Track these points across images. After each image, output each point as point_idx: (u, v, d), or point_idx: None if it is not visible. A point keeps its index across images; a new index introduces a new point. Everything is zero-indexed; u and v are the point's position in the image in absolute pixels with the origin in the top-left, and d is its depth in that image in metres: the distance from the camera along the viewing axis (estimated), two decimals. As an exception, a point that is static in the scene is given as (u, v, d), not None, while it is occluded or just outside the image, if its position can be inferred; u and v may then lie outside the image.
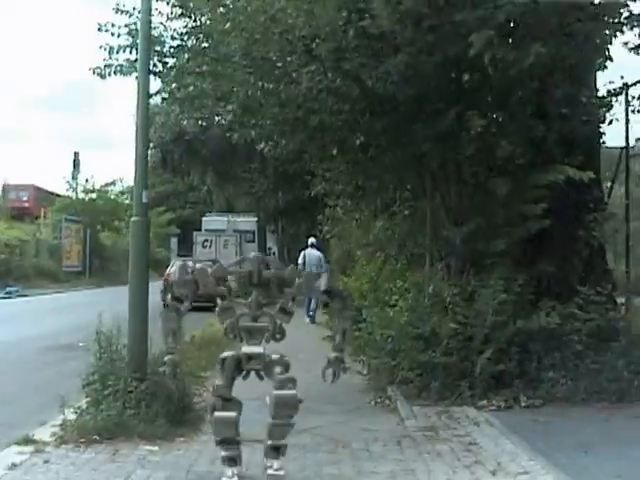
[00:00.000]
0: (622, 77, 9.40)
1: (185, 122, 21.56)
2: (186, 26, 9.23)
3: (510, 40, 6.94)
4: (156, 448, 6.35)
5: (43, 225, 42.73)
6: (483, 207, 8.17)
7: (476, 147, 7.79)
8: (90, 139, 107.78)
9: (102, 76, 9.67)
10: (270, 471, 5.40)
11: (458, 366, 7.84)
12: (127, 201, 50.52)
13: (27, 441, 6.60)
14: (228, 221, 31.66)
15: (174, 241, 57.90)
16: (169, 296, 6.07)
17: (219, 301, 6.07)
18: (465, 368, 7.84)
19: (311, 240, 18.30)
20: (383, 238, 11.70)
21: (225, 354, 5.78)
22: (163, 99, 11.60)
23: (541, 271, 8.43)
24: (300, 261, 17.67)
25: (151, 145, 29.09)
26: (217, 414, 5.54)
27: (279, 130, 9.10)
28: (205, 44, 9.17)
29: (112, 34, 9.09)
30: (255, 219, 32.19)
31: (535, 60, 6.54)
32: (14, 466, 5.92)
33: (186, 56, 9.28)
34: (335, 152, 9.32)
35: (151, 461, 6.00)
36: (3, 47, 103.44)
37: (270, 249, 37.17)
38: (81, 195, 45.51)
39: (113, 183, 46.81)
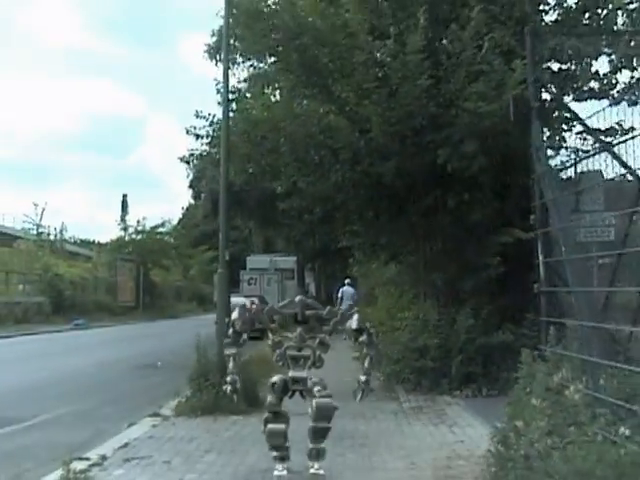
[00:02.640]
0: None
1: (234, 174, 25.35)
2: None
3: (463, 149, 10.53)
4: (241, 417, 10.00)
5: (99, 264, 46.97)
6: (458, 259, 11.84)
7: (452, 218, 11.49)
8: (122, 178, 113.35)
9: (187, 162, 13.60)
10: (312, 470, 6.60)
11: (440, 369, 11.52)
12: (172, 240, 54.78)
13: (155, 415, 10.40)
14: (270, 260, 35.28)
15: (217, 278, 61.62)
16: (230, 330, 7.37)
17: (270, 335, 7.27)
18: (445, 370, 11.50)
19: (347, 280, 23.61)
20: (394, 279, 15.51)
21: (275, 378, 6.90)
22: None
23: (502, 303, 11.98)
24: (339, 295, 22.45)
25: (202, 196, 33.19)
26: (270, 426, 6.71)
27: (314, 204, 12.92)
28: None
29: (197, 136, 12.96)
30: (294, 258, 36.00)
31: (479, 166, 10.22)
32: (153, 427, 9.66)
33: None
34: (355, 220, 13.18)
35: (238, 423, 9.65)
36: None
37: (308, 285, 41.13)
38: (132, 235, 49.61)
39: (163, 224, 50.87)
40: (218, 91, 15.26)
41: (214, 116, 16.73)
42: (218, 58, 26.73)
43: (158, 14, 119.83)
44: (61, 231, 50.23)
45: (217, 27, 24.34)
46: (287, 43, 10.87)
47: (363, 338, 7.23)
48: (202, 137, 17.11)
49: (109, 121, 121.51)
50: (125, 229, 49.22)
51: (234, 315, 7.48)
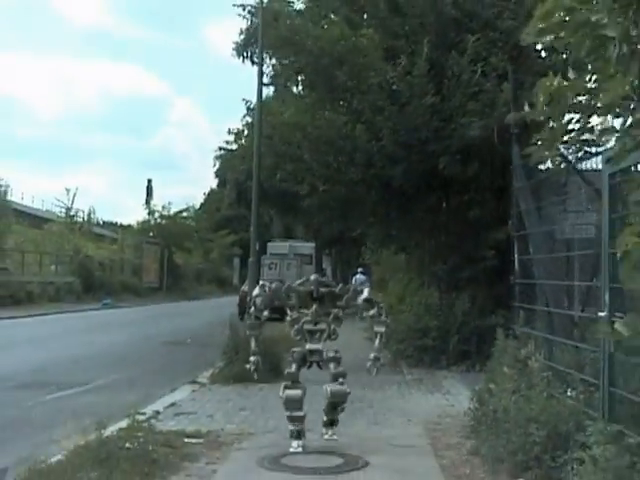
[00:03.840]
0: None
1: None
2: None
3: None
4: (266, 385, 11.67)
5: (125, 246, 48.89)
6: (457, 251, 13.48)
7: (452, 215, 13.13)
8: (145, 160, 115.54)
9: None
10: (326, 437, 7.44)
11: (440, 347, 13.19)
12: (193, 223, 56.59)
13: (193, 382, 12.12)
14: (290, 246, 36.94)
15: (236, 261, 63.37)
16: (252, 309, 7.83)
17: (288, 311, 7.86)
18: (444, 348, 13.17)
19: (359, 269, 25.44)
20: (403, 268, 17.22)
21: (294, 349, 7.58)
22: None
23: (496, 291, 13.56)
24: (353, 282, 24.35)
25: (227, 186, 34.97)
26: (287, 392, 7.28)
27: (333, 202, 14.63)
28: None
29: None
30: (312, 245, 37.70)
31: (473, 171, 11.84)
32: (193, 391, 11.39)
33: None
34: (368, 215, 14.89)
35: (264, 389, 11.33)
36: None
37: (325, 269, 42.87)
38: (157, 219, 51.51)
39: (187, 209, 52.68)
40: (248, 108, 16.91)
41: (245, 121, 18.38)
42: (245, 55, 28.34)
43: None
44: (89, 214, 52.05)
45: (245, 26, 25.85)
46: (311, 65, 12.52)
47: (373, 311, 7.76)
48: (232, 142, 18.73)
49: (132, 103, 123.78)
50: (151, 213, 51.02)
51: (255, 292, 8.02)
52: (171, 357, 16.47)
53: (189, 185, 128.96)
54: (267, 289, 7.93)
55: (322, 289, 7.82)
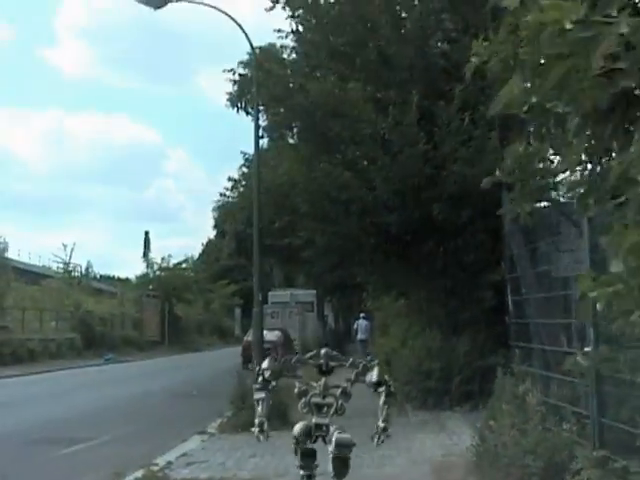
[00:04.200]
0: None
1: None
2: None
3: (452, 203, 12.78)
4: (275, 433, 12.08)
5: (125, 300, 49.34)
6: (456, 294, 13.99)
7: (449, 259, 13.68)
8: (139, 212, 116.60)
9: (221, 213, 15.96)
10: None
11: (443, 388, 13.61)
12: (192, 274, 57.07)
13: (203, 432, 12.55)
14: (291, 295, 37.55)
15: (238, 311, 63.73)
16: (260, 379, 9.92)
17: (296, 383, 10.04)
18: (447, 389, 13.59)
19: (362, 314, 26.14)
20: (403, 312, 17.74)
21: (297, 426, 9.60)
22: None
23: (495, 330, 14.04)
24: (355, 327, 25.02)
25: (226, 237, 35.63)
26: (296, 426, 9.47)
27: (332, 253, 15.24)
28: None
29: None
30: (314, 292, 38.28)
31: (467, 216, 12.47)
32: (203, 441, 11.81)
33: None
34: (367, 262, 15.48)
35: (273, 437, 11.72)
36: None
37: (327, 317, 43.42)
38: (156, 271, 52.02)
39: (186, 261, 53.27)
40: (246, 160, 17.68)
41: (242, 172, 19.11)
42: (240, 106, 29.18)
43: (174, 48, 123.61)
44: (87, 268, 52.65)
45: (237, 77, 26.71)
46: (303, 119, 13.23)
47: (382, 389, 8.66)
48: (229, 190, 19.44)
49: (126, 155, 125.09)
50: (150, 266, 51.59)
51: (264, 365, 8.70)
52: (179, 409, 16.86)
53: (185, 236, 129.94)
54: (275, 359, 8.35)
55: (331, 363, 8.17)
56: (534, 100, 2.79)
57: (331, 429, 7.38)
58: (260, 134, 16.36)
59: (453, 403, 13.53)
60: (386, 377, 8.37)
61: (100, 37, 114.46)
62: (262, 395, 7.78)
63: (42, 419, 14.95)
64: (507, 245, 9.47)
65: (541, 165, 3.55)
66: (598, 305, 2.35)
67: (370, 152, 12.72)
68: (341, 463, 7.20)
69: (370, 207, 13.24)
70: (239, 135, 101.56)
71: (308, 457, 7.51)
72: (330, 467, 7.39)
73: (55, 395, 20.53)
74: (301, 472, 7.45)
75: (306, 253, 15.94)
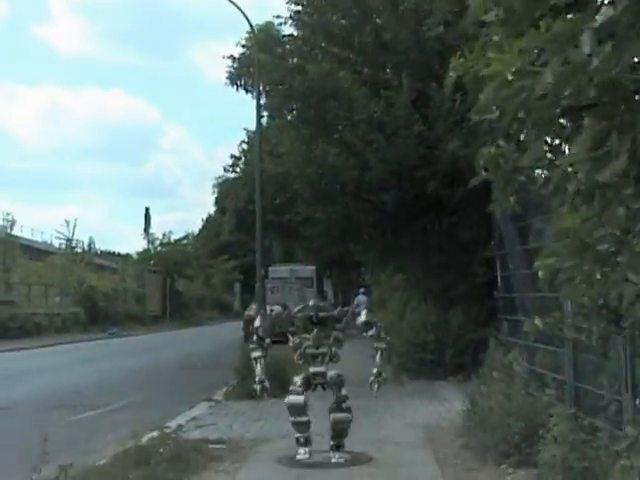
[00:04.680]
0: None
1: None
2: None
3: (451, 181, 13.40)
4: (277, 400, 12.79)
5: (127, 275, 50.06)
6: (451, 269, 14.66)
7: (444, 236, 14.34)
8: (137, 187, 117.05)
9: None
10: (334, 460, 7.85)
11: (437, 360, 14.34)
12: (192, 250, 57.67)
13: (209, 400, 13.25)
14: (291, 270, 38.12)
15: (237, 286, 64.42)
16: (255, 337, 8.37)
17: (290, 337, 8.31)
18: (441, 361, 14.32)
19: (361, 290, 27.02)
20: (400, 287, 18.44)
21: (296, 378, 8.11)
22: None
23: (488, 305, 14.72)
24: (355, 303, 25.66)
25: (227, 213, 36.24)
26: (290, 397, 7.94)
27: (330, 230, 15.93)
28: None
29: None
30: (313, 268, 38.91)
31: (460, 195, 13.08)
32: (210, 407, 12.52)
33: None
34: (365, 239, 16.17)
35: (276, 404, 12.37)
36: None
37: (326, 292, 44.17)
38: (157, 247, 52.77)
39: (187, 237, 53.91)
40: (248, 137, 18.25)
41: (242, 148, 19.70)
42: (239, 84, 29.62)
43: (169, 23, 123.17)
44: (89, 245, 53.23)
45: (237, 55, 27.10)
46: (302, 103, 13.86)
47: (372, 332, 8.29)
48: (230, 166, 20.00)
49: (122, 131, 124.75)
50: (152, 242, 52.25)
51: (257, 323, 8.53)
52: (185, 379, 17.59)
53: (183, 211, 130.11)
54: (268, 317, 8.83)
55: (321, 314, 8.27)
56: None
57: (328, 375, 7.91)
58: (261, 113, 16.92)
59: (447, 373, 14.25)
60: (375, 319, 8.68)
61: (95, 13, 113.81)
62: (258, 354, 8.26)
63: (56, 388, 15.67)
64: (496, 223, 10.09)
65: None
66: (540, 274, 2.98)
67: (366, 134, 13.33)
68: (339, 433, 7.95)
69: (366, 186, 13.87)
70: (237, 111, 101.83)
71: (297, 407, 7.90)
72: (330, 431, 7.94)
73: (65, 366, 21.28)
74: (296, 434, 8.01)
75: (305, 230, 16.61)
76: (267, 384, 8.35)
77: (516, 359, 9.12)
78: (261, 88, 17.16)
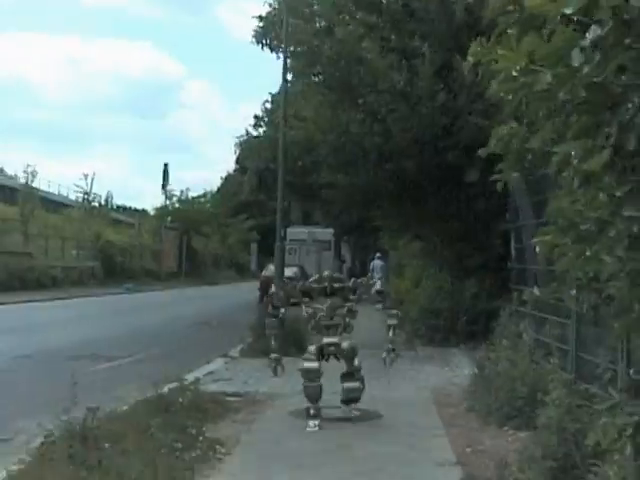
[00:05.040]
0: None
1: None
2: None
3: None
4: (292, 358, 13.38)
5: (144, 231, 50.76)
6: (467, 239, 15.13)
7: (463, 206, 14.77)
8: (157, 142, 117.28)
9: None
10: (346, 412, 8.30)
11: (450, 327, 14.86)
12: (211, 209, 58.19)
13: (225, 356, 13.87)
14: (309, 232, 38.68)
15: (254, 246, 64.97)
16: (270, 307, 8.76)
17: (304, 307, 8.59)
18: (453, 328, 14.84)
19: (377, 254, 27.22)
20: (418, 255, 18.95)
21: (311, 347, 8.40)
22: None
23: (502, 275, 15.19)
24: (371, 267, 26.21)
25: (248, 173, 36.70)
26: (306, 364, 8.21)
27: (352, 195, 16.40)
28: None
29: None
30: (331, 231, 39.46)
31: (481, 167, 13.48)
32: (226, 363, 13.13)
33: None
34: (386, 206, 16.65)
35: (291, 362, 12.99)
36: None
37: (344, 256, 44.74)
38: (175, 204, 53.31)
39: (205, 195, 54.42)
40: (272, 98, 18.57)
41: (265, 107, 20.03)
42: (264, 43, 29.88)
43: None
44: (107, 199, 53.85)
45: (264, 13, 27.32)
46: (328, 64, 14.25)
47: (385, 304, 8.91)
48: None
49: (145, 85, 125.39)
50: (169, 198, 52.80)
51: (271, 291, 9.15)
52: (201, 336, 18.25)
53: (204, 168, 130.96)
54: (283, 288, 9.03)
55: (335, 285, 8.51)
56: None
57: (342, 345, 8.16)
58: (287, 75, 17.27)
59: (458, 341, 14.79)
60: (388, 290, 9.03)
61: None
62: (274, 331, 8.80)
63: (74, 340, 16.30)
64: (512, 196, 10.50)
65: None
66: (538, 249, 3.44)
67: (389, 103, 13.73)
68: (350, 401, 8.32)
69: (388, 154, 14.29)
70: (261, 70, 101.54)
71: (311, 372, 8.17)
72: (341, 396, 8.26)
73: (84, 319, 22.00)
74: (307, 404, 8.19)
75: (327, 194, 17.09)
76: (282, 362, 8.76)
77: (525, 329, 9.62)
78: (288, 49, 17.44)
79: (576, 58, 2.67)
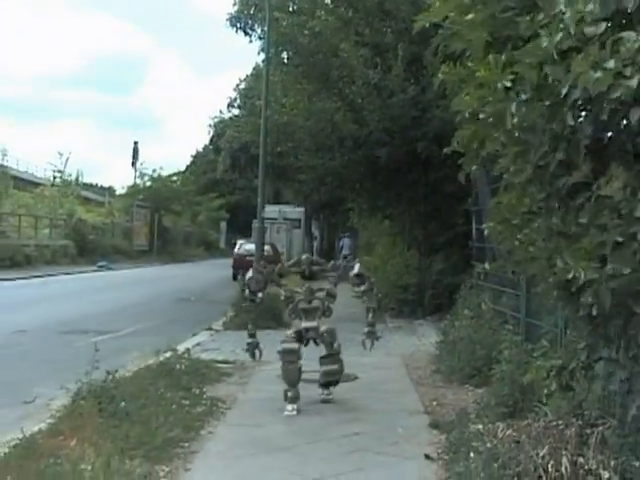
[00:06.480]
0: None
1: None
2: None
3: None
4: (272, 331, 14.60)
5: (115, 209, 51.49)
6: (434, 219, 16.45)
7: (430, 189, 16.06)
8: (123, 118, 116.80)
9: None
10: (323, 396, 8.30)
11: (417, 300, 16.22)
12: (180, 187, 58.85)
13: (209, 329, 15.06)
14: (280, 211, 39.79)
15: (223, 224, 66.06)
16: (247, 291, 8.53)
17: (281, 291, 8.54)
18: (421, 301, 16.20)
19: (346, 233, 28.97)
20: (387, 233, 20.32)
21: (289, 331, 8.39)
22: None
23: (466, 252, 16.54)
24: (340, 244, 27.80)
25: (222, 153, 37.69)
26: (284, 345, 8.11)
27: (327, 178, 17.64)
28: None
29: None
30: (302, 209, 40.67)
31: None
32: (211, 335, 14.32)
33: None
34: (358, 188, 17.93)
35: (271, 334, 14.23)
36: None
37: (314, 234, 46.08)
38: (147, 182, 53.95)
39: (177, 174, 55.18)
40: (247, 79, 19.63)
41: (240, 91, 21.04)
42: (239, 26, 30.75)
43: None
44: (77, 177, 54.33)
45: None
46: (307, 60, 15.41)
47: (364, 287, 8.47)
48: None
49: (111, 58, 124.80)
50: (141, 176, 53.49)
51: (248, 275, 8.59)
52: (183, 311, 19.42)
53: (170, 144, 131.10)
54: (260, 271, 8.67)
55: (314, 268, 8.44)
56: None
57: (321, 329, 8.35)
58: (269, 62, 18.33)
59: (425, 313, 16.17)
60: (367, 274, 9.10)
61: None
62: (252, 315, 8.99)
63: (61, 316, 17.12)
64: (473, 181, 11.79)
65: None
66: (486, 232, 4.70)
67: (364, 95, 14.95)
68: (329, 384, 8.56)
69: (363, 141, 15.52)
70: (232, 46, 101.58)
71: (290, 352, 8.17)
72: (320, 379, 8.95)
73: (63, 297, 22.90)
74: (285, 388, 8.24)
75: (302, 175, 18.34)
76: (261, 347, 8.73)
77: (484, 300, 10.96)
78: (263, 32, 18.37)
79: (509, 114, 3.89)
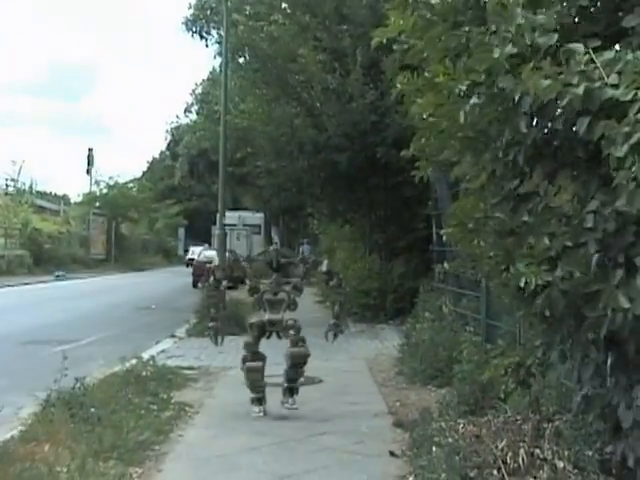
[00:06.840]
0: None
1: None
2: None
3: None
4: (236, 337, 14.77)
5: (71, 218, 51.07)
6: (394, 223, 16.79)
7: (390, 193, 16.39)
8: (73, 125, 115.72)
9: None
10: (287, 405, 8.01)
11: (379, 305, 16.53)
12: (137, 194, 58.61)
13: (173, 336, 15.21)
14: (239, 217, 39.89)
15: (181, 231, 65.89)
16: (212, 279, 8.32)
17: (247, 281, 8.48)
18: (382, 306, 16.52)
19: (306, 240, 29.47)
20: (348, 238, 20.64)
21: (252, 320, 8.26)
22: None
23: (427, 257, 16.91)
24: (301, 251, 28.22)
25: (180, 159, 37.74)
26: (248, 364, 7.87)
27: (287, 183, 17.92)
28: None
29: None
30: (262, 215, 40.88)
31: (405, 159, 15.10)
32: (175, 342, 14.47)
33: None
34: (319, 193, 18.23)
35: (235, 340, 14.36)
36: None
37: (274, 239, 46.31)
38: (103, 190, 53.67)
39: (133, 181, 54.99)
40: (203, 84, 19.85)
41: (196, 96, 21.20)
42: (194, 30, 30.91)
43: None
44: (31, 186, 53.79)
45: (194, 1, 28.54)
46: (265, 63, 15.66)
47: (333, 282, 8.35)
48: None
49: (62, 65, 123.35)
50: (97, 183, 53.19)
51: (214, 263, 9.36)
52: (145, 319, 19.49)
53: (126, 150, 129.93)
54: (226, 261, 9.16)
55: (282, 259, 8.29)
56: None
57: (284, 323, 8.16)
58: (218, 52, 18.51)
59: (387, 317, 16.50)
60: (336, 270, 9.23)
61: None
62: (214, 300, 8.49)
63: (26, 326, 17.13)
64: (432, 187, 12.16)
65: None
66: (444, 237, 4.99)
67: (323, 101, 15.24)
68: (295, 371, 8.45)
69: (322, 146, 15.80)
70: (185, 51, 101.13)
71: (255, 371, 8.10)
72: (287, 367, 9.11)
73: (22, 307, 22.74)
74: (251, 394, 8.28)
75: (262, 181, 18.61)
76: (219, 329, 8.46)
77: (444, 303, 11.31)
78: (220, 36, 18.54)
79: (463, 113, 4.16)
